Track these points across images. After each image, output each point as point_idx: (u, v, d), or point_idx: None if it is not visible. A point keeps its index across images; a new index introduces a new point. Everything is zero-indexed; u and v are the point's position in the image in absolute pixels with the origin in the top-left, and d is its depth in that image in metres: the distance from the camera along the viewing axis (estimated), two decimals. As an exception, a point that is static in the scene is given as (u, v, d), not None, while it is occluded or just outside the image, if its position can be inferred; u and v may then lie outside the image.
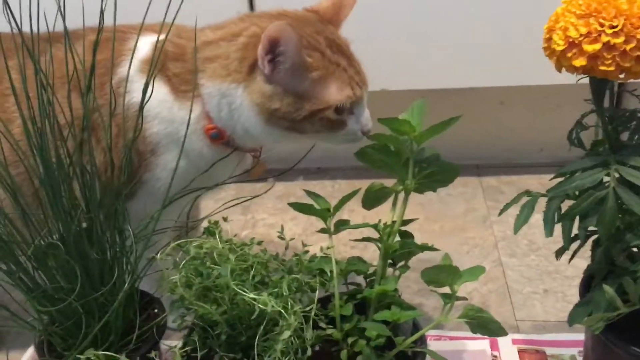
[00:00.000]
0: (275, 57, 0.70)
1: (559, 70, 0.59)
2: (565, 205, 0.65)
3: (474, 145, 1.32)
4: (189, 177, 0.77)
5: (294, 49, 0.69)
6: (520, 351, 0.86)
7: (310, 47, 0.73)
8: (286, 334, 0.63)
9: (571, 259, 0.70)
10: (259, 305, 0.63)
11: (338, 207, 0.75)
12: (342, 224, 0.77)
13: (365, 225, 0.74)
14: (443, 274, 0.66)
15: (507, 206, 0.70)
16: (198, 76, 0.75)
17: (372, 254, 0.89)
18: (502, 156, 1.33)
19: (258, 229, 1.20)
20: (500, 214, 0.71)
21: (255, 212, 1.24)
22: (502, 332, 0.65)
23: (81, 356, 0.64)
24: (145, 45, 0.77)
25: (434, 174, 0.73)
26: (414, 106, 0.73)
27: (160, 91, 0.76)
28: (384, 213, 0.75)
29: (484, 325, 0.65)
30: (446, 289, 0.68)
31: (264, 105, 0.73)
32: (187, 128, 0.73)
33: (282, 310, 0.63)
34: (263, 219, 1.23)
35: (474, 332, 0.66)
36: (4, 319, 0.71)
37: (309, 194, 0.78)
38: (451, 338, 0.89)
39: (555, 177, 0.65)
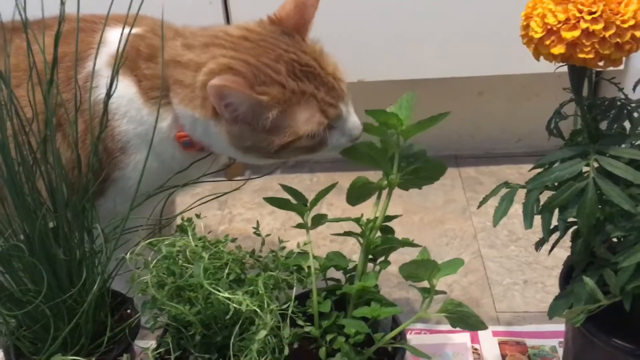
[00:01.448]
0: (229, 103, 0.67)
1: (537, 59, 0.57)
2: (545, 195, 0.64)
3: (452, 136, 1.31)
4: (161, 177, 0.75)
5: (241, 97, 0.66)
6: (500, 343, 0.86)
7: (267, 82, 0.68)
8: (262, 333, 0.62)
9: (551, 250, 0.69)
10: (234, 304, 0.61)
11: (315, 201, 0.73)
12: (320, 218, 0.75)
13: (346, 219, 0.72)
14: (421, 269, 0.64)
15: (486, 198, 0.69)
16: (170, 94, 0.72)
17: (351, 247, 0.87)
18: (480, 146, 1.32)
19: (235, 224, 1.18)
20: (479, 206, 0.70)
21: (233, 207, 1.22)
22: (482, 326, 0.64)
23: (50, 361, 0.61)
24: (116, 38, 0.74)
25: (420, 170, 0.72)
26: (402, 99, 0.72)
27: (129, 90, 0.73)
28: (363, 207, 0.74)
29: (464, 319, 0.64)
30: (425, 283, 0.67)
31: (236, 143, 0.71)
32: (156, 134, 0.71)
33: (258, 309, 0.62)
34: (240, 213, 1.21)
35: (454, 326, 0.65)
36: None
37: (285, 188, 0.76)
38: (431, 332, 0.88)
39: (534, 168, 0.64)
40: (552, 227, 0.64)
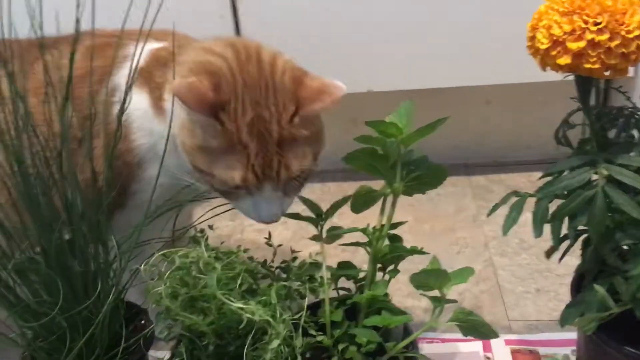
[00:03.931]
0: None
1: (543, 69, 0.58)
2: (554, 204, 0.64)
3: (461, 145, 1.32)
4: (174, 190, 0.76)
5: (193, 107, 0.65)
6: (513, 352, 0.86)
7: (231, 118, 0.67)
8: (275, 343, 0.62)
9: (561, 258, 0.69)
10: (247, 314, 0.62)
11: (330, 214, 0.74)
12: (334, 230, 0.76)
13: (355, 230, 0.73)
14: (431, 278, 0.65)
15: (495, 207, 0.69)
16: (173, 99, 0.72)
17: (361, 257, 0.87)
18: (490, 155, 1.33)
19: (247, 235, 1.19)
20: (489, 214, 0.71)
21: (244, 218, 1.22)
22: (494, 335, 0.65)
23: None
24: (142, 53, 0.74)
25: (423, 176, 0.72)
26: (401, 108, 0.72)
27: (143, 103, 0.74)
28: (374, 216, 0.74)
29: (475, 328, 0.64)
30: (436, 292, 0.67)
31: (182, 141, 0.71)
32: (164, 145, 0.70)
33: (271, 319, 0.62)
34: (251, 224, 1.21)
35: (466, 335, 0.66)
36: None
37: (301, 199, 0.77)
38: (443, 340, 0.89)
39: (543, 177, 0.65)
40: (562, 235, 0.64)
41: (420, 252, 0.72)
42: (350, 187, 0.75)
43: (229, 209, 0.79)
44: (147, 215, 0.71)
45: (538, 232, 0.62)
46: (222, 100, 0.67)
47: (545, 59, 0.56)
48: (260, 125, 0.67)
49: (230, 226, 1.21)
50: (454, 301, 0.67)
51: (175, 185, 0.76)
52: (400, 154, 0.71)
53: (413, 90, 1.17)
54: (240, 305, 0.62)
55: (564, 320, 0.64)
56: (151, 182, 0.73)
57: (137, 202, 0.78)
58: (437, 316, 0.66)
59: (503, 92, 1.25)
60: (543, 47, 0.55)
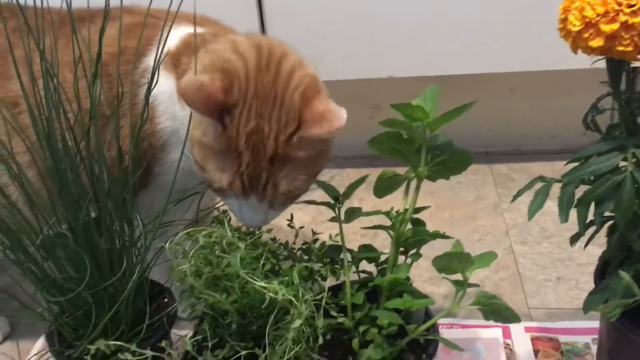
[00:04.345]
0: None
1: (575, 52, 0.57)
2: (580, 190, 0.64)
3: (484, 133, 1.31)
4: (195, 175, 0.76)
5: (198, 108, 0.65)
6: (533, 339, 0.85)
7: (234, 123, 0.67)
8: (297, 322, 0.63)
9: (587, 244, 0.69)
10: (270, 293, 0.62)
11: (347, 195, 0.74)
12: (354, 212, 0.76)
13: (377, 212, 0.73)
14: (454, 261, 0.65)
15: (520, 192, 0.69)
16: None
17: (381, 242, 0.88)
18: (512, 143, 1.32)
19: (267, 218, 1.19)
20: (513, 200, 0.70)
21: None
22: (516, 319, 0.64)
23: (91, 346, 0.63)
24: (175, 37, 0.74)
25: (447, 161, 0.72)
26: (427, 92, 0.72)
27: (170, 87, 0.75)
28: (394, 202, 0.74)
29: (497, 312, 0.64)
30: (458, 276, 0.67)
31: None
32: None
33: (293, 299, 0.63)
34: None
35: (487, 319, 0.65)
36: (15, 310, 0.70)
37: (318, 183, 0.77)
38: (463, 326, 0.89)
39: (570, 162, 0.64)
40: (587, 221, 0.63)
41: (443, 236, 0.72)
42: (369, 174, 0.75)
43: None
44: (170, 197, 0.72)
45: (564, 217, 0.61)
46: (230, 104, 0.66)
47: (577, 42, 0.55)
48: (257, 137, 0.66)
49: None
50: (476, 285, 0.67)
51: (195, 171, 0.77)
52: (426, 138, 0.70)
53: (435, 77, 1.16)
54: (264, 285, 0.63)
55: (588, 307, 0.64)
56: (173, 166, 0.74)
57: (159, 183, 0.79)
58: (459, 300, 0.66)
59: (527, 79, 1.24)
60: (575, 29, 0.54)
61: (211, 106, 0.65)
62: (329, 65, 1.17)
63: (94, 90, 0.63)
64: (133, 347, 0.63)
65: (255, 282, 0.63)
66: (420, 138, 0.71)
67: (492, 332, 0.87)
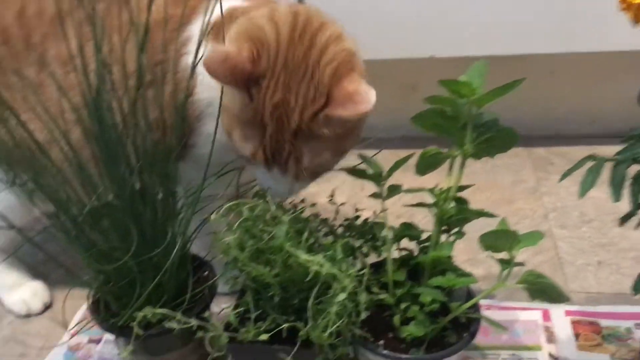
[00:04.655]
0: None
1: (636, 24, 0.55)
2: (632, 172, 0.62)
3: (522, 116, 1.28)
4: (230, 150, 0.76)
5: (223, 80, 0.65)
6: (573, 322, 0.84)
7: (261, 94, 0.66)
8: (341, 296, 0.63)
9: (638, 225, 0.67)
10: (315, 267, 0.62)
11: (392, 170, 0.73)
12: (395, 189, 0.75)
13: (420, 190, 0.72)
14: (502, 239, 0.64)
15: (569, 171, 0.67)
16: None
17: (419, 222, 0.87)
18: (552, 127, 1.29)
19: (306, 194, 1.19)
20: (561, 179, 0.68)
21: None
22: (563, 299, 0.63)
23: (139, 313, 0.64)
24: (220, 7, 0.72)
25: (492, 139, 0.71)
26: (473, 68, 0.71)
27: None
28: (432, 182, 0.73)
29: (544, 291, 0.63)
30: (502, 256, 0.66)
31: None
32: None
33: (337, 273, 0.63)
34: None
35: (533, 298, 0.65)
36: (59, 278, 0.72)
37: (362, 158, 0.77)
38: (501, 308, 0.88)
39: (624, 141, 0.62)
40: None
41: (488, 214, 0.71)
42: (405, 154, 0.73)
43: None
44: (208, 172, 0.72)
45: (616, 196, 0.60)
46: (257, 74, 0.65)
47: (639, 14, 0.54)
48: (283, 110, 0.65)
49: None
50: (521, 264, 0.66)
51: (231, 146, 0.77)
52: (472, 115, 0.69)
53: (474, 57, 1.14)
54: (308, 258, 0.63)
55: (638, 288, 0.63)
56: (209, 138, 0.74)
57: (194, 155, 0.79)
58: (504, 278, 0.65)
59: (569, 62, 1.21)
60: (637, 1, 0.53)
61: (237, 77, 0.64)
62: (367, 44, 1.16)
63: (141, 57, 0.63)
64: (179, 316, 0.63)
65: (299, 255, 0.63)
66: (466, 115, 0.70)
67: (532, 314, 0.86)
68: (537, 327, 0.84)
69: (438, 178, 0.73)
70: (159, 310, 0.64)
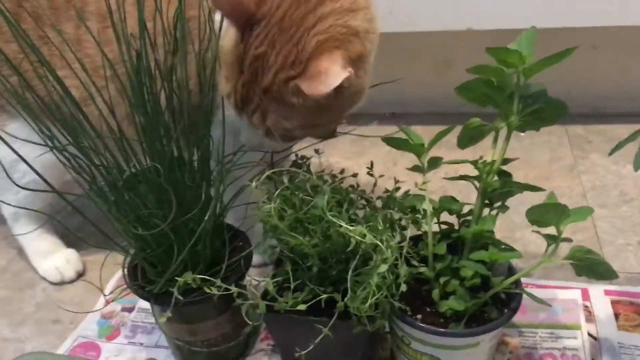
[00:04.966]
0: None
1: None
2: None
3: (561, 91, 1.23)
4: None
5: (226, 13, 0.64)
6: (613, 302, 0.82)
7: (250, 40, 0.65)
8: (383, 267, 0.61)
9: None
10: (356, 237, 0.61)
11: (434, 142, 0.71)
12: (436, 161, 0.73)
13: (464, 161, 0.70)
14: (550, 213, 0.62)
15: (621, 144, 0.65)
16: None
17: (456, 195, 0.85)
18: (590, 104, 1.26)
19: (342, 166, 1.18)
20: (611, 152, 0.67)
21: (330, 155, 1.22)
22: (613, 275, 0.61)
23: (180, 278, 0.64)
24: None
25: (540, 110, 0.69)
26: (522, 37, 0.68)
27: None
28: (466, 157, 0.71)
29: (592, 267, 0.61)
30: (548, 231, 0.64)
31: None
32: None
33: (380, 243, 0.61)
34: (337, 162, 1.20)
35: (580, 274, 0.63)
36: (93, 245, 0.71)
37: (403, 129, 0.75)
38: (539, 287, 0.86)
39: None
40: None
41: (534, 188, 0.69)
42: (438, 130, 0.71)
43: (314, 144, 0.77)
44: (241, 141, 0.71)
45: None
46: (256, 19, 0.64)
47: None
48: (260, 64, 0.64)
49: (315, 163, 1.20)
50: (569, 240, 0.64)
51: None
52: (519, 86, 0.67)
53: (513, 30, 1.10)
54: (350, 228, 0.62)
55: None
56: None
57: (219, 117, 0.78)
58: (551, 254, 0.63)
59: (612, 36, 1.17)
60: None
61: (238, 14, 0.64)
62: (400, 16, 1.13)
63: (181, 25, 0.62)
64: (218, 282, 0.63)
65: (342, 225, 0.62)
66: (512, 85, 0.67)
67: (570, 293, 0.84)
68: (577, 306, 0.82)
69: (472, 154, 0.71)
70: (199, 276, 0.63)
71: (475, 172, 0.71)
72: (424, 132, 0.72)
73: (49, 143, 0.64)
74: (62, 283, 0.96)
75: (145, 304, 0.89)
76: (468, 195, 0.73)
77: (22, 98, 0.63)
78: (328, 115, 0.70)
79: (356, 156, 1.21)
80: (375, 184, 0.77)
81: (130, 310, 0.90)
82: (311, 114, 0.67)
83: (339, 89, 0.61)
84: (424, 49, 1.25)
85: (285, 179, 0.66)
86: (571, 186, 1.07)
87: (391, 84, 0.74)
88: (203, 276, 0.64)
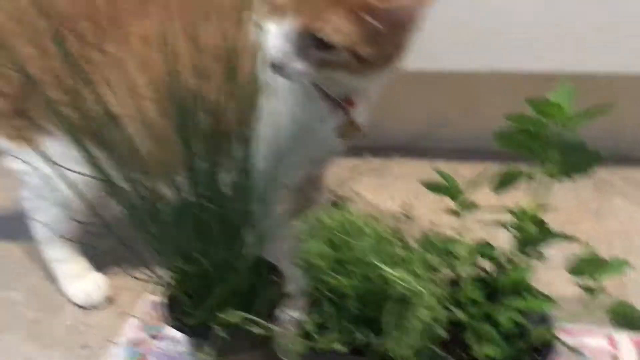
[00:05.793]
0: None
1: None
2: None
3: (585, 134, 1.26)
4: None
5: None
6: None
7: None
8: (424, 312, 0.62)
9: None
10: (401, 282, 0.62)
11: (470, 187, 0.72)
12: (471, 205, 0.74)
13: (501, 207, 0.71)
14: (589, 265, 0.63)
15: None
16: None
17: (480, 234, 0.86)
18: (615, 148, 1.26)
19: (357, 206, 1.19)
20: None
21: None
22: (652, 330, 0.62)
23: (223, 315, 0.64)
24: None
25: (575, 160, 0.70)
26: (562, 88, 0.70)
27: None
28: (491, 200, 0.72)
29: (632, 322, 0.62)
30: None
31: None
32: None
33: (423, 290, 0.62)
34: (360, 193, 1.21)
35: (619, 328, 0.63)
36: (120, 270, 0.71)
37: (439, 172, 0.76)
38: (564, 331, 0.86)
39: None
40: None
41: (570, 237, 0.70)
42: (463, 169, 0.72)
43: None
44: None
45: None
46: None
47: None
48: None
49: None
50: (609, 295, 0.65)
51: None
52: (558, 135, 0.68)
53: (540, 74, 1.12)
54: (394, 273, 0.62)
55: None
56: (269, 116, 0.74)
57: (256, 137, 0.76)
58: (590, 306, 0.64)
59: (637, 81, 1.18)
60: None
61: None
62: (424, 54, 1.14)
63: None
64: (261, 321, 0.63)
65: (385, 270, 0.62)
66: (551, 135, 0.69)
67: (598, 341, 0.84)
68: (606, 354, 0.82)
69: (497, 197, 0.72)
70: (243, 314, 0.64)
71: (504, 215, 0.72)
72: (448, 169, 0.73)
73: (93, 168, 0.65)
74: (91, 308, 0.97)
75: (170, 331, 0.90)
76: (493, 235, 0.74)
77: (65, 118, 0.65)
78: (381, 43, 0.70)
79: (379, 188, 1.21)
80: (411, 226, 0.77)
81: (157, 337, 0.91)
82: (376, 34, 0.67)
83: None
84: (450, 86, 1.26)
85: (327, 219, 0.67)
86: (597, 231, 1.07)
87: (412, 117, 0.75)
88: (246, 314, 0.65)
